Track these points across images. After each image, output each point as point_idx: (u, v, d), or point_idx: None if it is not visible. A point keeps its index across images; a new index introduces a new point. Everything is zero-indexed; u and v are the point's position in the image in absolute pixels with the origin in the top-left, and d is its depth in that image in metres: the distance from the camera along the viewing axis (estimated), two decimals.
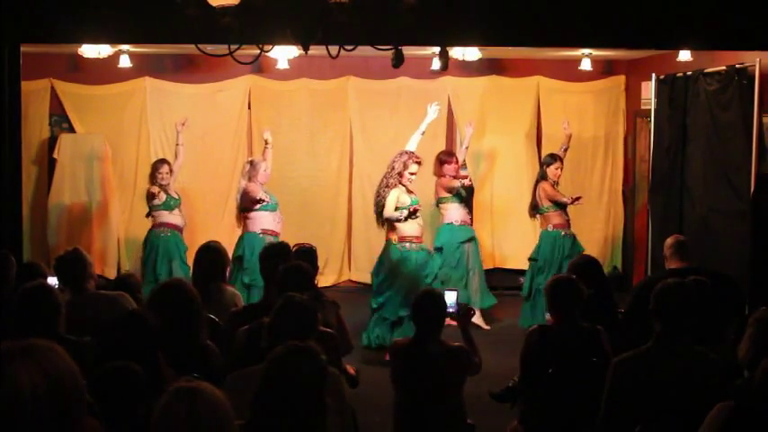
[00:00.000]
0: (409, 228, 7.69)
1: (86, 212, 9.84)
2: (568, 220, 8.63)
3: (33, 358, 1.89)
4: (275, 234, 8.13)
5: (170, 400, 2.33)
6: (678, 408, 3.76)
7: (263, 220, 8.16)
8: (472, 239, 8.79)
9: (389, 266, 7.72)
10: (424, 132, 8.15)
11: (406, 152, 7.81)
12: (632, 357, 3.93)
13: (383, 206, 7.67)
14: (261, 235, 8.05)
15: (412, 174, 7.70)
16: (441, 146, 10.07)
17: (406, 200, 7.66)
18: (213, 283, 5.34)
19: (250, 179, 8.22)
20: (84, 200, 9.81)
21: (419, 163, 7.77)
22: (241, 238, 8.23)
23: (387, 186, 7.69)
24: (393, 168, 7.71)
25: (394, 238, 7.73)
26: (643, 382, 3.85)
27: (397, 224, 7.66)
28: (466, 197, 8.89)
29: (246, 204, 8.20)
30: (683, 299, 3.90)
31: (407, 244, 7.70)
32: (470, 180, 9.08)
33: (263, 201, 8.06)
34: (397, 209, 7.64)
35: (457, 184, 8.56)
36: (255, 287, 7.56)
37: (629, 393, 3.87)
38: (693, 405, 3.54)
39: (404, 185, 7.71)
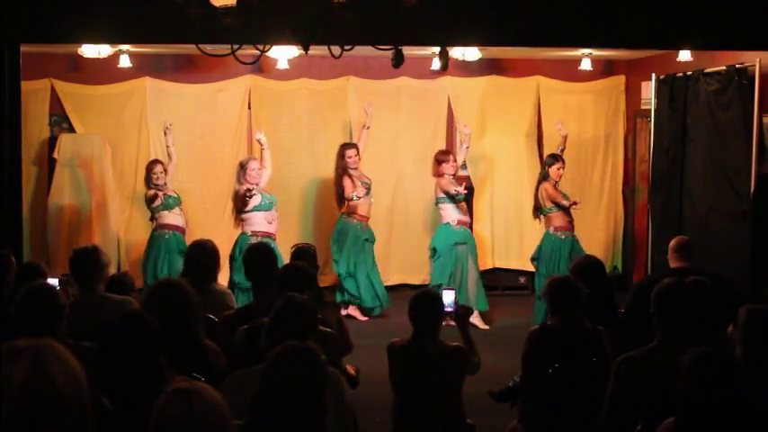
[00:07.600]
0: (359, 207, 9.01)
1: (86, 212, 9.82)
2: (571, 221, 8.60)
3: (57, 356, 1.91)
4: (267, 235, 8.22)
5: (168, 402, 2.32)
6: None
7: (254, 221, 8.28)
8: (466, 243, 8.82)
9: (337, 236, 9.15)
10: (368, 127, 9.32)
11: (342, 144, 9.23)
12: (636, 356, 3.93)
13: (342, 192, 8.93)
14: (251, 236, 8.16)
15: (350, 158, 8.93)
16: (441, 146, 10.06)
17: (358, 183, 8.92)
18: (204, 282, 5.30)
19: (240, 182, 8.30)
20: (84, 200, 9.79)
21: (354, 148, 9.02)
22: (237, 239, 8.32)
23: (340, 176, 8.98)
24: (337, 161, 9.04)
25: (344, 213, 9.11)
26: (646, 380, 3.84)
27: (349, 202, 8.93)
28: (463, 198, 8.90)
29: (237, 205, 8.28)
30: (679, 298, 3.93)
31: (353, 219, 9.05)
32: (466, 186, 9.15)
33: (250, 191, 8.11)
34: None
35: (452, 190, 8.62)
36: (239, 288, 7.58)
37: (631, 392, 3.87)
38: None
39: (353, 170, 8.93)
